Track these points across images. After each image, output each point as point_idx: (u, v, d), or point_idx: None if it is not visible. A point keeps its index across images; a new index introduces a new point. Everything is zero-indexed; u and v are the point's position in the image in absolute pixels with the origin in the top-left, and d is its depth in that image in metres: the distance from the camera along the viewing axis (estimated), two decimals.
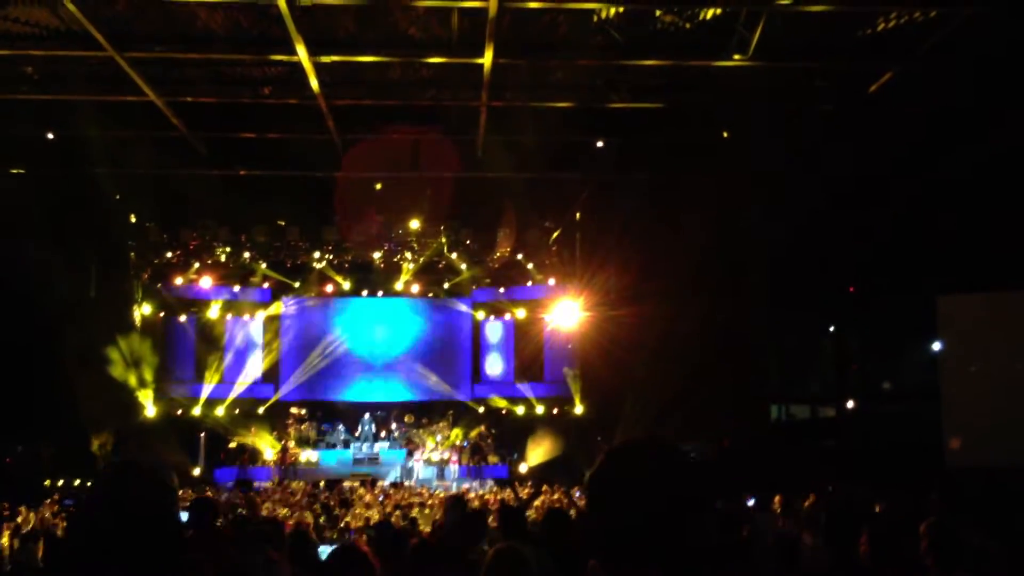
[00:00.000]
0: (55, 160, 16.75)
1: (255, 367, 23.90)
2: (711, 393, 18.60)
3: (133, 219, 21.96)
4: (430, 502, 15.21)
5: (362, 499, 16.09)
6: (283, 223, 22.52)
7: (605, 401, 21.04)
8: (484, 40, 11.65)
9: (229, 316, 23.53)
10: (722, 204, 16.65)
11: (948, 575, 4.02)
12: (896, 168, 14.88)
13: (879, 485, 10.79)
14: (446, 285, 23.80)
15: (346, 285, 23.63)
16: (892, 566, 3.95)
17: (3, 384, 17.20)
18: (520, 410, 23.51)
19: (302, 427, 23.08)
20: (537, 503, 14.38)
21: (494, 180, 18.27)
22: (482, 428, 23.34)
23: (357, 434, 23.28)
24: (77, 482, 18.41)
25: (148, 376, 21.55)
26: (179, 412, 22.40)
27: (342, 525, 11.53)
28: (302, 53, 12.03)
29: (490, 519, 9.58)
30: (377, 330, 24.42)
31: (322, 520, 11.71)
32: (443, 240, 22.81)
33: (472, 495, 16.89)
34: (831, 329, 21.39)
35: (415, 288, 23.70)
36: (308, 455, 22.48)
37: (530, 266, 23.44)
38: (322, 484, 19.20)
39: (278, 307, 23.86)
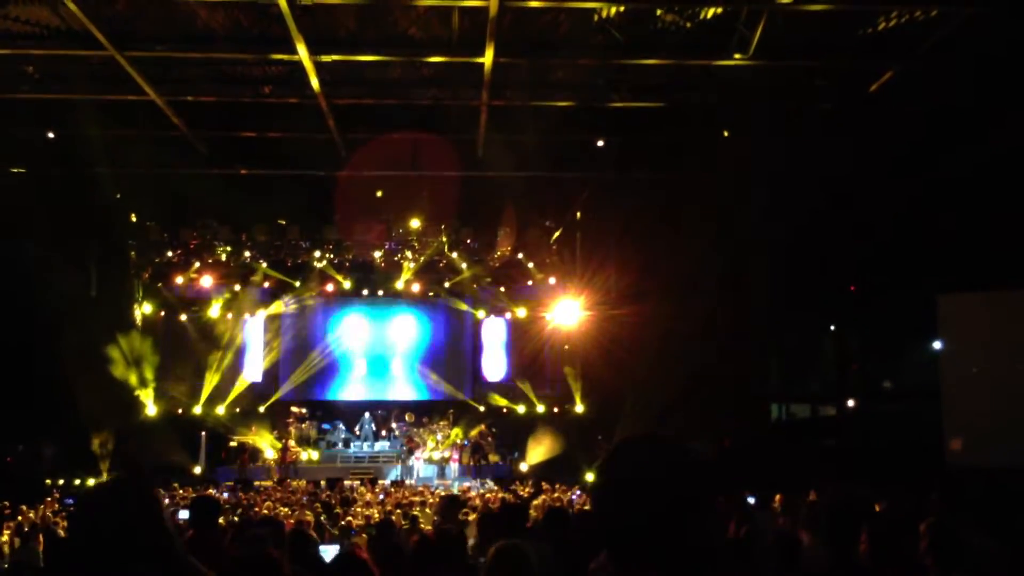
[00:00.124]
0: (55, 159, 16.75)
1: (256, 366, 23.90)
2: (711, 392, 18.60)
3: (133, 218, 21.96)
4: (431, 501, 15.21)
5: (363, 498, 16.10)
6: (283, 222, 22.52)
7: (605, 400, 21.05)
8: (485, 39, 11.65)
9: (229, 315, 23.53)
10: (722, 204, 16.65)
11: (948, 575, 4.02)
12: (896, 168, 14.88)
13: (879, 484, 10.78)
14: (447, 284, 23.80)
15: (347, 284, 23.63)
16: (892, 566, 3.95)
17: (4, 383, 17.20)
18: (520, 409, 23.52)
19: (303, 426, 23.08)
20: (537, 502, 14.37)
21: (495, 179, 18.27)
22: (483, 427, 23.34)
23: (357, 433, 23.29)
24: (78, 481, 18.41)
25: (149, 375, 21.56)
26: (180, 411, 22.40)
27: (343, 524, 11.52)
28: (303, 52, 12.03)
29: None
30: (377, 329, 24.42)
31: (323, 519, 11.70)
32: (444, 239, 22.81)
33: (473, 494, 16.89)
34: (832, 328, 21.38)
35: (416, 287, 23.69)
36: (309, 454, 22.49)
37: (531, 265, 23.44)
38: (323, 483, 19.19)
39: (278, 306, 23.86)
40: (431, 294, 24.05)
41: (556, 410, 23.10)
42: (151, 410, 21.71)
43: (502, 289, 23.98)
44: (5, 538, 11.41)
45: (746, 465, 15.94)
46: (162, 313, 23.13)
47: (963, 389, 14.99)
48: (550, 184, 19.18)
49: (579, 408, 22.68)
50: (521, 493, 16.94)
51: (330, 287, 23.72)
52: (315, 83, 13.20)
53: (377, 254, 23.31)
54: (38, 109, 15.16)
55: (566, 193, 20.09)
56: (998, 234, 13.94)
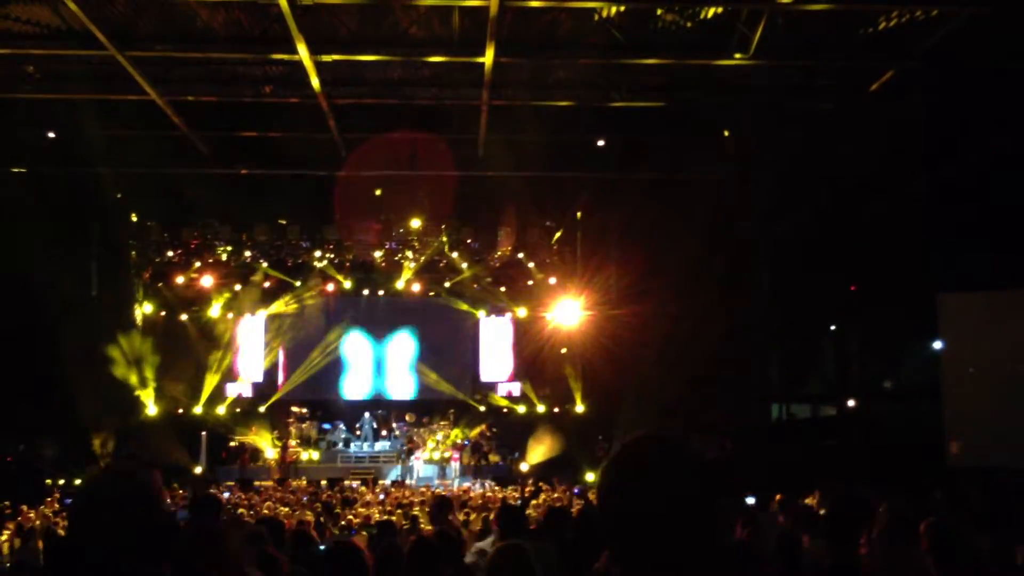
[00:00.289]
0: (56, 159, 16.75)
1: (256, 366, 23.91)
2: (712, 392, 18.61)
3: (134, 218, 21.97)
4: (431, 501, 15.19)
5: (363, 498, 16.10)
6: (284, 222, 22.53)
7: (606, 400, 21.05)
8: (485, 39, 11.65)
9: (230, 315, 23.54)
10: (722, 203, 16.64)
11: (948, 575, 4.02)
12: (896, 167, 14.88)
13: (879, 484, 10.79)
14: (447, 284, 23.80)
15: (347, 284, 23.63)
16: (892, 566, 3.95)
17: (4, 382, 17.21)
18: (521, 409, 23.52)
19: (303, 426, 23.08)
20: (537, 501, 14.38)
21: (495, 179, 18.27)
22: (483, 427, 23.35)
23: (358, 433, 23.29)
24: (78, 481, 18.41)
25: (149, 375, 21.57)
26: (180, 411, 22.41)
27: (343, 524, 11.53)
28: (303, 52, 12.03)
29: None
30: (378, 329, 24.42)
31: (323, 519, 11.70)
32: (444, 239, 22.81)
33: (474, 493, 16.90)
34: (832, 328, 21.37)
35: (416, 287, 23.70)
36: (309, 454, 22.49)
37: (531, 265, 23.44)
38: (323, 483, 19.21)
39: (279, 306, 23.86)
40: (431, 294, 24.04)
41: (556, 410, 23.11)
42: (151, 410, 21.71)
43: (502, 289, 23.98)
44: (5, 538, 11.42)
45: (746, 465, 15.96)
46: (163, 313, 23.13)
47: (963, 389, 14.99)
48: (550, 184, 19.18)
49: (579, 408, 22.68)
50: (521, 492, 16.94)
51: (331, 287, 23.72)
52: (315, 83, 13.20)
53: (377, 254, 23.32)
54: (39, 109, 15.17)
55: (566, 193, 20.09)
56: (999, 233, 13.94)
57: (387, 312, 24.37)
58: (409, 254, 23.20)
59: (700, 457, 1.70)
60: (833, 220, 17.19)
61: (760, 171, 16.54)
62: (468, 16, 11.73)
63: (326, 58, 12.58)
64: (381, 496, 16.63)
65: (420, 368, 24.10)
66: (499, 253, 23.22)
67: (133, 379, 20.95)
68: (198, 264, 22.91)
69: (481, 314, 24.43)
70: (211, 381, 22.83)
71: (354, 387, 24.39)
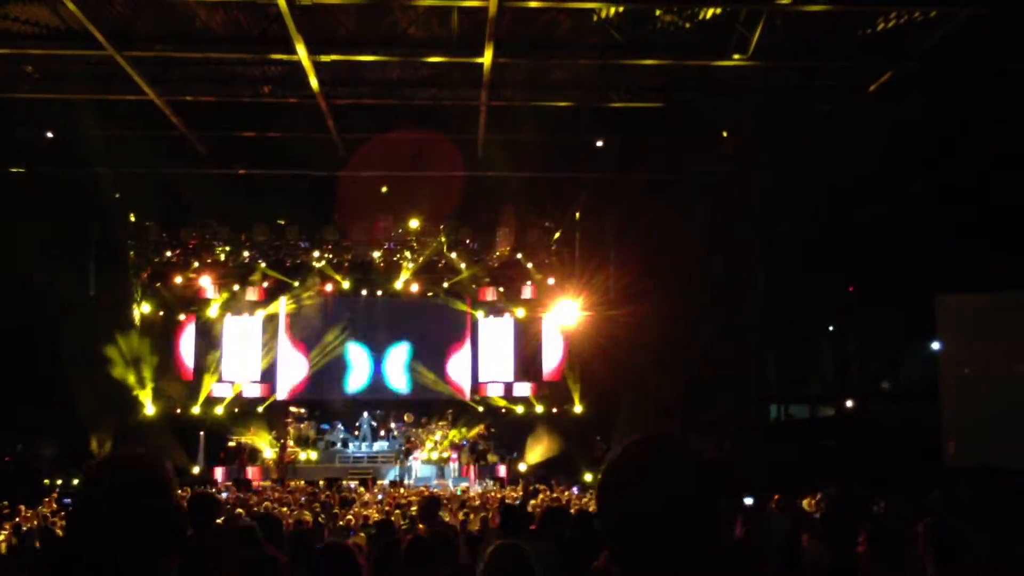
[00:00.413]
0: (54, 159, 16.74)
1: (254, 366, 23.89)
2: (710, 393, 18.61)
3: (132, 218, 21.95)
4: None
5: (361, 498, 16.10)
6: (282, 222, 22.51)
7: (604, 400, 21.05)
8: (484, 39, 11.66)
9: (228, 315, 23.52)
10: (721, 204, 16.65)
11: (947, 575, 4.02)
12: (895, 168, 14.89)
13: (878, 485, 10.80)
14: (445, 284, 23.79)
15: (345, 284, 23.62)
16: (890, 566, 3.96)
17: (2, 382, 17.20)
18: (519, 409, 23.51)
19: (301, 426, 23.06)
20: (535, 501, 14.37)
21: (494, 179, 18.27)
22: (481, 427, 23.33)
23: (356, 433, 23.27)
24: (76, 481, 18.39)
25: (147, 375, 21.55)
26: (178, 411, 22.39)
27: (342, 524, 11.52)
28: (302, 52, 12.03)
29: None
30: (376, 329, 24.40)
31: (321, 519, 11.69)
32: (442, 239, 22.81)
33: (472, 493, 16.89)
34: (830, 329, 21.39)
35: (415, 287, 23.69)
36: (307, 454, 22.47)
37: (530, 265, 23.43)
38: (321, 483, 19.20)
39: (277, 306, 23.85)
40: (430, 294, 24.04)
41: (555, 410, 23.10)
42: (149, 410, 21.69)
43: (501, 289, 23.98)
44: (3, 537, 11.40)
45: (745, 466, 15.97)
46: (161, 313, 23.11)
47: (962, 389, 15.00)
48: (549, 184, 19.19)
49: (577, 408, 22.67)
50: (518, 493, 16.93)
51: (329, 287, 23.71)
52: (314, 83, 13.21)
53: (376, 254, 23.31)
54: (37, 109, 15.17)
55: (565, 193, 20.10)
56: (997, 234, 13.95)
57: (385, 312, 24.35)
58: (408, 254, 23.20)
59: (699, 457, 1.70)
60: (832, 221, 17.19)
61: (759, 172, 16.54)
62: (467, 16, 11.73)
63: (325, 58, 12.58)
64: (379, 496, 16.62)
65: (418, 368, 24.08)
66: (497, 253, 23.22)
67: (131, 379, 20.94)
68: (196, 264, 22.90)
69: (479, 314, 24.42)
70: (209, 381, 22.83)
71: (353, 384, 24.35)
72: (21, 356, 17.63)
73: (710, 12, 11.74)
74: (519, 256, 23.27)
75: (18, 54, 13.03)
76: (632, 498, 1.67)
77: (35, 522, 12.01)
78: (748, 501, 10.95)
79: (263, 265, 23.11)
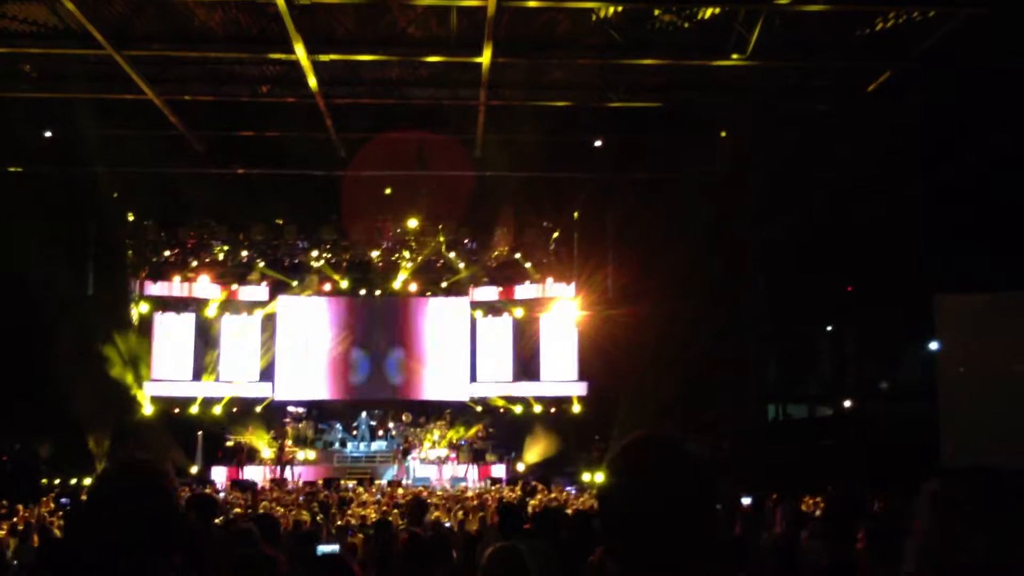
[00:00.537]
0: (53, 158, 16.73)
1: (252, 366, 23.86)
2: (709, 393, 18.61)
3: (131, 217, 21.93)
4: (430, 501, 15.18)
5: (360, 498, 16.08)
6: (281, 222, 22.48)
7: (603, 400, 21.04)
8: (483, 39, 11.65)
9: (227, 314, 23.50)
10: (721, 204, 16.66)
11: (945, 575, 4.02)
12: (893, 168, 14.90)
13: (877, 484, 10.81)
14: (444, 284, 23.78)
15: (344, 284, 23.60)
16: (889, 565, 3.96)
17: (0, 382, 17.18)
18: (518, 409, 23.49)
19: (299, 426, 23.04)
20: (534, 501, 14.37)
21: (493, 179, 18.27)
22: (480, 427, 23.31)
23: (354, 433, 23.26)
24: (74, 480, 18.39)
25: (145, 374, 21.53)
26: (176, 411, 22.37)
27: (340, 524, 11.52)
28: (300, 52, 12.02)
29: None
30: (374, 329, 24.38)
31: (320, 519, 11.69)
32: (441, 239, 22.79)
33: (470, 493, 16.89)
34: (829, 329, 21.41)
35: (413, 287, 23.68)
36: (306, 454, 22.46)
37: (528, 265, 23.42)
38: (319, 483, 19.19)
39: (275, 306, 23.83)
40: (428, 294, 24.03)
41: (553, 410, 23.08)
42: (147, 409, 21.67)
43: (499, 289, 23.96)
44: (1, 536, 11.39)
45: (743, 465, 15.98)
46: (159, 312, 23.07)
47: (960, 389, 15.00)
48: (548, 184, 19.19)
49: (576, 408, 22.65)
50: (517, 493, 16.93)
51: (327, 286, 23.70)
52: (313, 82, 13.20)
53: (375, 254, 23.30)
54: (36, 108, 15.16)
55: (564, 193, 20.10)
56: (995, 235, 13.96)
57: (383, 312, 24.34)
58: (406, 254, 23.18)
59: (698, 457, 1.71)
60: (830, 221, 17.21)
61: (757, 171, 16.55)
62: (466, 16, 11.73)
63: (323, 58, 12.58)
64: (378, 496, 16.61)
65: (417, 368, 24.06)
66: (496, 253, 23.20)
67: (129, 378, 20.92)
68: (195, 264, 22.87)
69: (478, 314, 24.40)
70: (207, 381, 22.82)
71: (352, 384, 24.32)
72: (19, 355, 17.62)
73: (709, 12, 11.74)
74: (518, 256, 23.25)
75: (16, 53, 13.02)
76: (630, 497, 1.67)
77: (33, 522, 12.00)
78: (747, 501, 10.96)
79: (261, 265, 23.10)
